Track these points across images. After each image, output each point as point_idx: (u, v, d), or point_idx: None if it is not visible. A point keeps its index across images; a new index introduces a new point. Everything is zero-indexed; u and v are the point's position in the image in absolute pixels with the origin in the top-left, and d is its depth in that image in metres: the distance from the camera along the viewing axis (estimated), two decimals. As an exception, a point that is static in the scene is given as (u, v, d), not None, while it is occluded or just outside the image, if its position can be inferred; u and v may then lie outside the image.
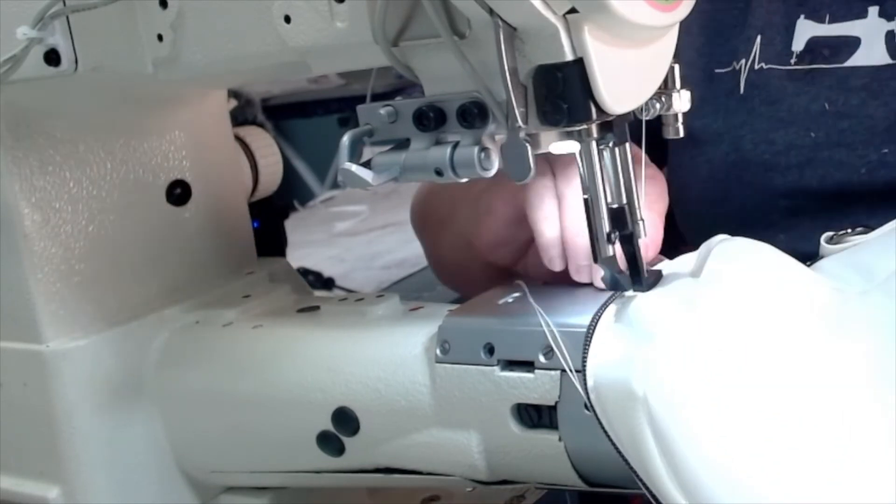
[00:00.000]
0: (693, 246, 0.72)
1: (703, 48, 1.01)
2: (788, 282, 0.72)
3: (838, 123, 0.93)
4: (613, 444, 0.66)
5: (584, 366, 0.67)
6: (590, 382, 0.66)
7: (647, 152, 0.75)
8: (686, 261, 0.74)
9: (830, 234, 0.80)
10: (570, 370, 0.68)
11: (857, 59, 0.94)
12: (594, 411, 0.66)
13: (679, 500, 0.62)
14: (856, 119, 0.92)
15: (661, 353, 0.64)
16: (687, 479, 0.61)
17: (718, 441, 0.62)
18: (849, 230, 0.80)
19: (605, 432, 0.66)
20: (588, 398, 0.67)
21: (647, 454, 0.63)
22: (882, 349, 0.69)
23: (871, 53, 0.93)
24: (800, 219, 0.95)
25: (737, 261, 0.71)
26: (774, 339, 0.67)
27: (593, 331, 0.67)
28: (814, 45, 0.96)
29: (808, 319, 0.70)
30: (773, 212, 0.97)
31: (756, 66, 0.98)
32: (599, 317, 0.68)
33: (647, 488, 0.65)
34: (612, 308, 0.69)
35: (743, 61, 0.99)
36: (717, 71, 1.00)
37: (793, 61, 0.96)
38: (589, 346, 0.67)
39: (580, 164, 0.68)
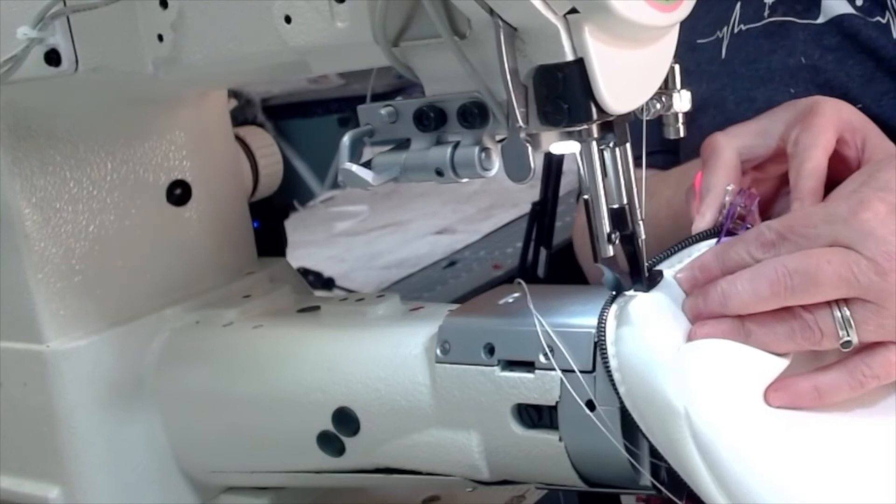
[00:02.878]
0: None
1: (686, 21, 1.01)
2: None
3: (816, 79, 0.93)
4: (631, 445, 0.68)
5: (604, 367, 0.67)
6: (621, 389, 0.67)
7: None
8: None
9: None
10: (576, 370, 0.68)
11: (828, 13, 0.93)
12: (631, 415, 0.67)
13: (724, 502, 0.64)
14: (832, 74, 0.92)
15: (693, 363, 0.65)
16: (731, 485, 0.63)
17: (759, 447, 0.64)
18: None
19: (619, 433, 0.67)
20: (597, 399, 0.68)
21: (691, 463, 0.64)
22: None
23: (838, 4, 0.92)
24: None
25: None
26: None
27: (604, 333, 0.68)
28: None
29: None
30: None
31: (735, 30, 0.98)
32: (605, 318, 0.68)
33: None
34: (613, 309, 0.69)
35: (725, 29, 0.99)
36: (699, 41, 1.00)
37: (766, 14, 0.96)
38: (605, 349, 0.67)
39: (580, 165, 0.68)
